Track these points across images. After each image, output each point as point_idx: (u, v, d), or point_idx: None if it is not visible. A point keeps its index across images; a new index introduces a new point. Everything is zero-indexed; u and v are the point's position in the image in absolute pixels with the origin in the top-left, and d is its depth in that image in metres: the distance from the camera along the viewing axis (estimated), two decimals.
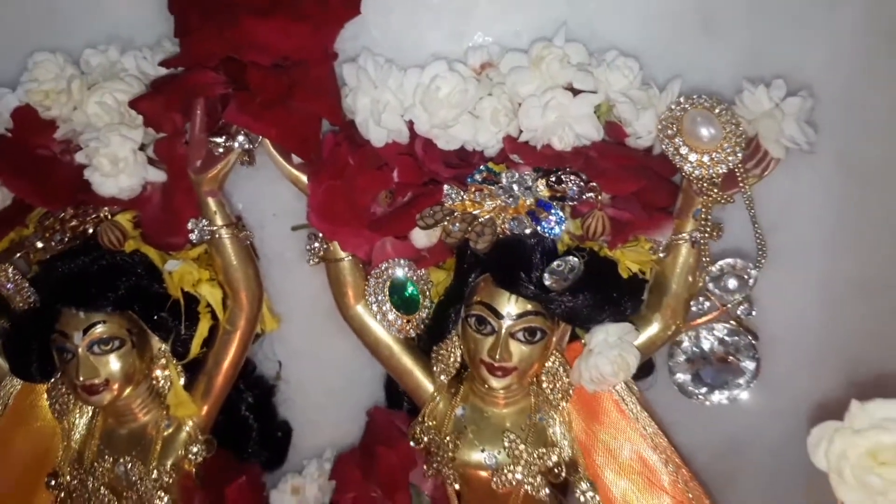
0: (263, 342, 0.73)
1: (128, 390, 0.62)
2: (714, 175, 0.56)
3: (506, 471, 0.60)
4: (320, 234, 0.62)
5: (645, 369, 0.66)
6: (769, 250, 0.63)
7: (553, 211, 0.56)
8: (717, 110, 0.56)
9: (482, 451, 0.61)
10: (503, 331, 0.58)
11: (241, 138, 0.59)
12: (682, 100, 0.57)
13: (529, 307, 0.58)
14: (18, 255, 0.62)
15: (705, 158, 0.56)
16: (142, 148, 0.62)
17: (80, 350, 0.60)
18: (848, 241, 0.68)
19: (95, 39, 0.66)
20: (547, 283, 0.57)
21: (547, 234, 0.57)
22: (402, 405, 0.71)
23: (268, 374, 0.74)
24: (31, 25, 0.67)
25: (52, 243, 0.61)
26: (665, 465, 0.61)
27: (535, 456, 0.60)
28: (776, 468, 0.72)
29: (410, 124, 0.61)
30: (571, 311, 0.58)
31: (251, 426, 0.71)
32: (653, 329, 0.61)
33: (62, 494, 0.64)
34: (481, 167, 0.60)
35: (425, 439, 0.63)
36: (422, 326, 0.64)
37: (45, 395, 0.66)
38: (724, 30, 0.63)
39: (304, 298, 0.71)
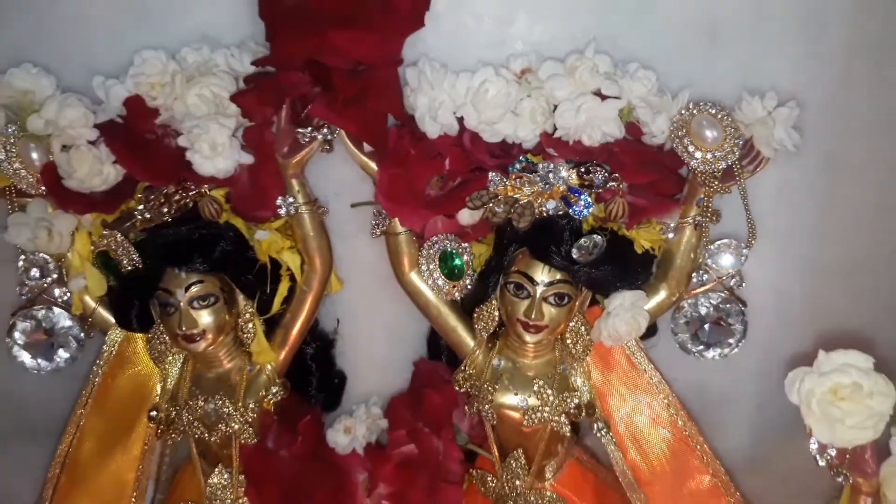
0: (325, 302, 0.86)
1: (218, 339, 0.74)
2: (715, 170, 0.68)
3: (535, 411, 0.73)
4: (384, 212, 0.74)
5: (650, 331, 0.78)
6: (759, 233, 0.74)
7: (582, 196, 0.68)
8: (719, 116, 0.67)
9: (515, 394, 0.74)
10: (538, 295, 0.70)
11: (324, 130, 0.70)
12: (690, 106, 0.68)
13: (559, 276, 0.70)
14: (128, 223, 0.73)
15: (709, 156, 0.67)
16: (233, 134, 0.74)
17: (182, 304, 0.71)
18: (827, 227, 0.80)
19: (188, 38, 0.75)
20: (575, 256, 0.69)
21: (576, 216, 0.68)
22: (441, 358, 0.83)
23: (327, 329, 0.86)
24: (129, 24, 0.76)
25: (158, 214, 0.72)
26: (667, 409, 0.74)
27: (560, 399, 0.72)
28: (759, 417, 0.85)
29: (460, 120, 0.73)
30: (594, 280, 0.70)
31: (313, 373, 0.83)
32: (660, 296, 0.73)
33: (161, 426, 0.76)
34: (521, 158, 0.71)
35: (467, 385, 0.76)
36: (465, 291, 0.75)
37: (145, 344, 0.78)
38: (727, 45, 0.74)
39: (360, 266, 0.83)
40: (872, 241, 0.79)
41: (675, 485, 0.74)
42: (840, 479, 0.63)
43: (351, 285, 0.84)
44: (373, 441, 0.85)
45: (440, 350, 0.83)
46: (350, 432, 0.85)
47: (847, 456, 0.62)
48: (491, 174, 0.71)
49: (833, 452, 0.62)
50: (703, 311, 0.73)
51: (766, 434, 0.84)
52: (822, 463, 0.63)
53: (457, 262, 0.74)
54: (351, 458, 0.82)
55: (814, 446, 0.63)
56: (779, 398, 0.71)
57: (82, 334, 0.77)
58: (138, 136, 0.72)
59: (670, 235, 0.72)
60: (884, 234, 0.78)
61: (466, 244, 0.75)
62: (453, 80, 0.71)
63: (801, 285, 0.80)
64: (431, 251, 0.74)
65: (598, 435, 0.73)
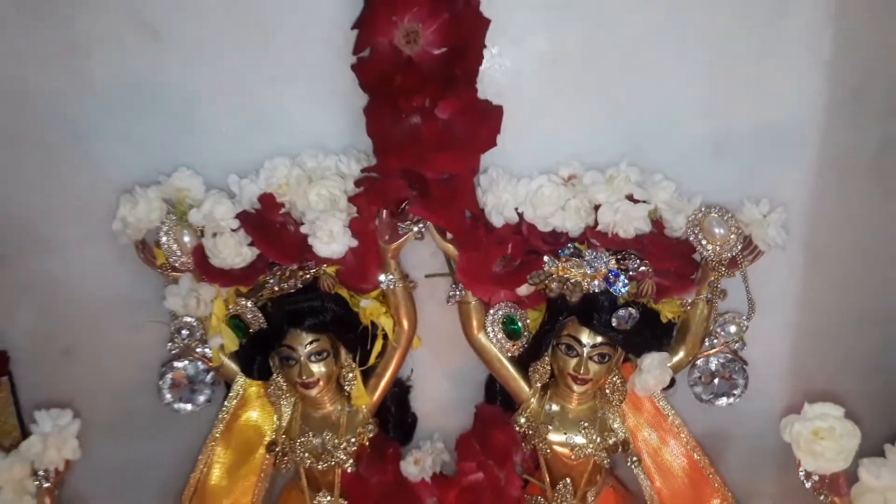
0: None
1: (326, 386, 0.92)
2: (722, 259, 0.87)
3: (582, 448, 0.91)
4: (460, 285, 0.92)
5: (670, 383, 0.96)
6: (757, 307, 0.94)
7: (620, 278, 0.87)
8: (725, 217, 0.87)
9: (564, 434, 0.92)
10: (584, 354, 0.89)
11: (420, 224, 0.89)
12: (703, 208, 0.88)
13: (601, 339, 0.89)
14: (260, 293, 0.91)
15: (717, 248, 0.87)
16: None
17: (302, 358, 0.90)
18: (809, 302, 0.99)
19: (304, 144, 0.93)
20: (614, 324, 0.88)
21: (616, 293, 0.87)
22: (497, 401, 1.01)
23: (402, 377, 1.03)
24: (257, 133, 0.94)
25: (285, 286, 0.90)
26: (685, 445, 0.93)
27: (602, 438, 0.91)
28: (757, 453, 1.03)
29: (520, 214, 0.91)
30: (630, 343, 0.89)
31: (392, 413, 1.01)
32: (679, 356, 0.92)
33: (278, 457, 0.93)
34: (569, 245, 0.90)
35: (525, 425, 0.94)
36: (522, 349, 0.94)
37: (263, 390, 0.95)
38: (729, 158, 0.93)
39: (430, 325, 1.00)
40: (840, 312, 0.99)
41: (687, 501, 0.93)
42: (822, 499, 0.82)
43: (423, 342, 1.02)
44: (437, 471, 1.03)
45: (495, 395, 1.01)
46: (419, 464, 1.03)
47: (826, 480, 0.80)
48: (546, 257, 0.90)
49: (816, 478, 0.81)
50: (713, 367, 0.92)
51: (762, 466, 1.02)
52: (808, 485, 0.82)
53: (517, 325, 0.93)
54: (420, 486, 1.00)
55: (802, 474, 0.82)
56: (771, 437, 0.89)
57: (216, 383, 0.95)
58: (269, 224, 0.91)
59: (687, 308, 0.91)
60: (849, 306, 0.98)
61: (524, 311, 0.94)
62: (515, 184, 0.90)
63: (790, 347, 0.99)
64: (496, 316, 0.93)
65: (632, 466, 0.92)
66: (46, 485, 0.86)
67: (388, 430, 1.02)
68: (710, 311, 0.90)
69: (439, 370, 1.05)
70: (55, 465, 0.87)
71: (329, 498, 0.94)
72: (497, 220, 0.91)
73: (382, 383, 0.95)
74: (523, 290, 0.93)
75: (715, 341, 0.92)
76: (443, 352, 1.03)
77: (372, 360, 0.94)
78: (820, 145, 0.93)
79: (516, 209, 0.90)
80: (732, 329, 0.91)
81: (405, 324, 0.93)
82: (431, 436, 1.05)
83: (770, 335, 0.98)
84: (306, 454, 0.92)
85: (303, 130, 0.95)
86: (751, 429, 0.99)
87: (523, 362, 0.95)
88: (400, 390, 1.02)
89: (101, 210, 0.94)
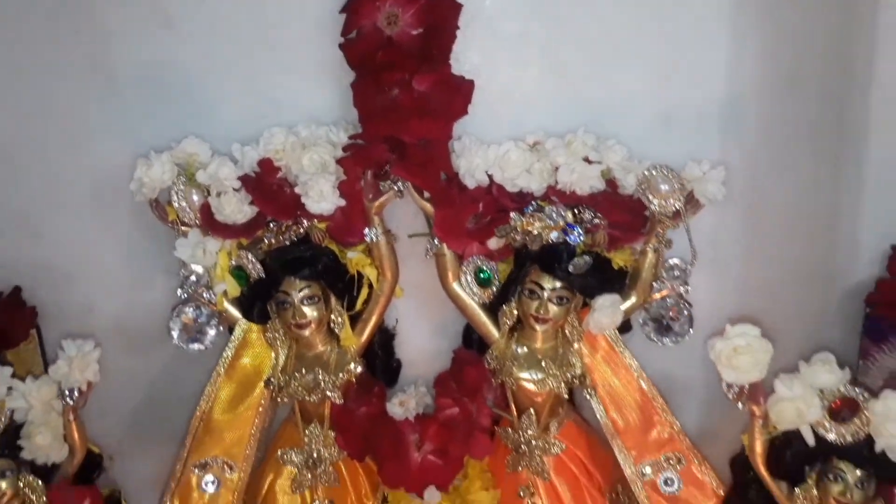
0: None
1: (317, 328, 1.03)
2: (667, 212, 0.98)
3: (543, 381, 1.02)
4: (437, 240, 1.03)
5: (626, 327, 1.08)
6: (703, 260, 1.05)
7: (576, 229, 0.99)
8: (669, 175, 0.97)
9: (529, 370, 1.03)
10: (545, 297, 1.00)
11: (399, 184, 1.00)
12: (650, 168, 0.99)
13: (560, 284, 1.00)
14: (258, 246, 1.03)
15: (662, 202, 0.98)
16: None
17: (296, 302, 1.01)
18: (752, 257, 1.10)
19: (300, 118, 1.05)
20: (571, 270, 0.99)
21: (572, 243, 0.99)
22: (474, 347, 1.12)
23: (388, 325, 1.15)
24: (258, 107, 1.06)
25: (281, 239, 1.02)
26: (636, 379, 1.03)
27: (561, 372, 1.02)
28: (707, 396, 1.11)
29: (490, 176, 1.02)
30: (585, 287, 1.00)
31: (379, 357, 1.12)
32: (631, 301, 1.03)
33: (275, 391, 1.05)
34: (533, 203, 1.01)
35: (494, 363, 1.05)
36: (493, 296, 1.05)
37: (261, 333, 1.07)
38: (678, 125, 1.04)
39: (414, 280, 1.11)
40: (782, 267, 1.10)
41: (642, 434, 1.04)
42: (741, 406, 0.93)
43: (405, 294, 1.14)
44: (420, 412, 1.13)
45: (472, 342, 1.12)
46: (404, 405, 1.13)
47: (745, 391, 0.91)
48: (512, 214, 1.02)
49: (736, 389, 0.92)
50: (661, 309, 1.03)
51: (715, 411, 1.11)
52: (729, 396, 0.93)
53: (488, 275, 1.04)
54: (404, 424, 1.11)
55: (724, 386, 0.93)
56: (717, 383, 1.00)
57: (220, 326, 1.07)
58: (267, 185, 1.03)
59: (638, 257, 1.01)
60: (789, 261, 1.09)
61: (493, 263, 1.05)
62: (485, 150, 1.01)
63: (732, 291, 1.09)
64: (469, 268, 1.05)
65: (587, 397, 1.04)
66: (70, 403, 0.98)
67: (375, 373, 1.13)
68: (658, 259, 1.01)
69: (422, 321, 1.17)
70: (78, 384, 0.99)
71: (319, 428, 1.05)
72: (470, 182, 1.03)
73: (368, 327, 1.07)
74: (493, 243, 1.05)
75: (662, 286, 1.03)
76: (425, 304, 1.15)
77: (358, 305, 1.06)
78: (759, 115, 1.04)
79: (487, 172, 1.02)
80: (678, 273, 1.02)
81: (388, 274, 1.05)
82: (416, 381, 1.16)
83: (718, 289, 1.09)
84: (299, 388, 1.04)
85: (299, 105, 1.07)
86: (703, 377, 1.08)
87: (494, 309, 1.06)
88: (385, 336, 1.13)
89: (118, 176, 1.06)
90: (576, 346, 1.03)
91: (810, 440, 0.89)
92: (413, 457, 1.09)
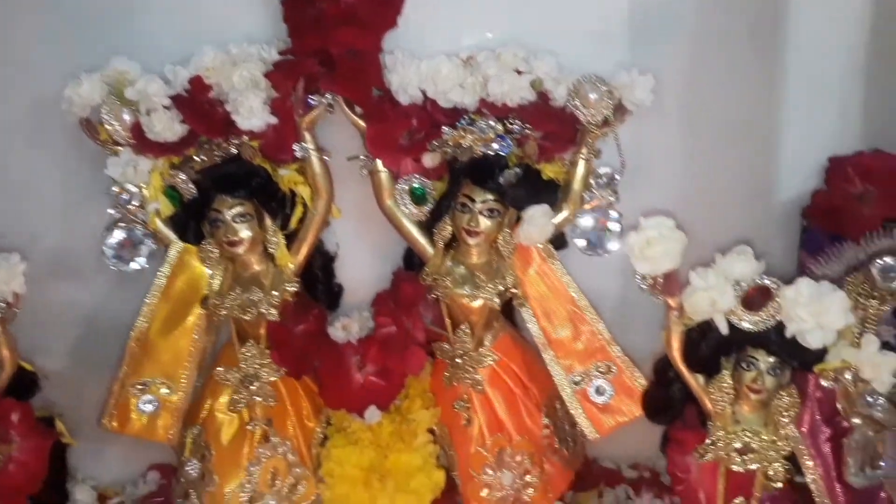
0: (328, 229, 1.14)
1: (251, 247, 1.03)
2: (597, 121, 0.98)
3: (476, 295, 1.02)
4: (370, 156, 1.03)
5: (561, 243, 1.07)
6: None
7: (506, 140, 0.98)
8: (598, 84, 0.97)
9: (462, 284, 1.03)
10: (476, 210, 1.00)
11: (328, 97, 1.00)
12: (580, 78, 0.98)
13: (491, 197, 1.00)
14: (189, 165, 1.03)
15: (592, 111, 0.97)
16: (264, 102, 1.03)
17: (227, 219, 1.01)
18: (691, 167, 1.09)
19: (235, 38, 1.05)
20: (501, 182, 0.99)
21: (503, 153, 0.99)
22: (415, 269, 1.11)
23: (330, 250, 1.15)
24: (192, 29, 1.06)
25: (211, 157, 1.02)
26: (567, 289, 1.03)
27: (493, 284, 1.02)
28: (647, 314, 1.07)
29: (424, 91, 1.02)
30: (514, 198, 1.00)
31: (320, 279, 1.12)
32: (563, 214, 1.03)
33: (211, 309, 1.05)
34: (465, 116, 1.01)
35: (429, 279, 1.05)
36: (427, 214, 1.05)
37: (198, 252, 1.07)
38: (610, 38, 1.03)
39: (353, 202, 1.11)
40: (720, 180, 1.09)
41: (573, 344, 1.04)
42: (656, 298, 0.93)
43: (347, 219, 1.14)
44: (363, 336, 1.13)
45: (414, 265, 1.12)
46: (347, 329, 1.14)
47: (659, 282, 0.91)
48: (445, 128, 1.01)
49: (650, 281, 0.92)
50: (592, 221, 1.03)
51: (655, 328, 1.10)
52: (644, 287, 0.92)
53: (423, 192, 1.04)
54: (346, 346, 1.11)
55: (638, 278, 0.93)
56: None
57: (154, 245, 1.07)
58: (198, 103, 1.02)
59: (569, 168, 1.01)
60: (724, 175, 1.08)
61: (429, 180, 1.05)
62: (418, 64, 1.01)
63: (674, 214, 1.07)
64: (404, 185, 1.04)
65: (518, 306, 1.04)
66: None
67: (316, 297, 1.13)
68: (588, 170, 1.01)
69: (364, 246, 1.16)
70: (4, 297, 0.99)
71: (255, 347, 1.05)
72: (403, 98, 1.02)
73: (304, 247, 1.06)
74: (429, 161, 1.04)
75: (592, 197, 1.02)
76: (368, 229, 1.14)
77: (293, 224, 1.06)
78: (694, 27, 1.04)
79: (420, 87, 1.01)
80: (605, 182, 1.01)
81: (322, 192, 1.05)
82: (359, 306, 1.16)
83: (656, 204, 1.05)
84: (235, 307, 1.04)
85: (232, 26, 1.06)
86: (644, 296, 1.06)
87: (430, 226, 1.06)
88: (325, 259, 1.13)
89: (52, 100, 1.04)
90: (509, 259, 1.03)
91: (724, 329, 0.90)
92: (354, 378, 1.09)
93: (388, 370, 1.09)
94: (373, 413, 1.10)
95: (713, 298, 0.87)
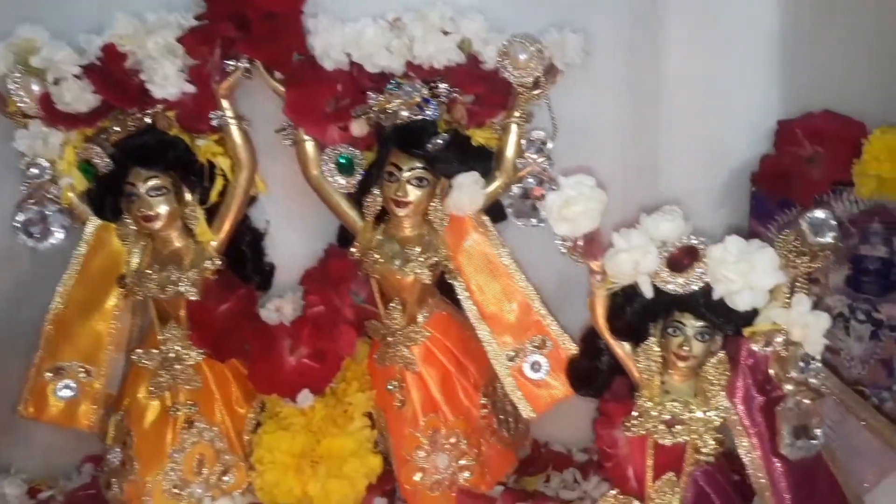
0: (256, 205, 1.09)
1: (170, 222, 0.98)
2: (526, 82, 0.93)
3: (407, 268, 0.97)
4: (292, 125, 0.98)
5: (500, 215, 1.02)
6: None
7: (431, 103, 0.94)
8: (527, 44, 0.92)
9: (393, 258, 0.98)
10: (403, 179, 0.95)
11: (244, 62, 0.95)
12: (510, 38, 0.93)
13: (419, 164, 0.95)
14: (103, 136, 0.98)
15: (522, 72, 0.93)
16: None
17: (142, 193, 0.96)
18: (637, 135, 1.04)
19: (150, 6, 0.99)
20: (429, 148, 0.94)
21: (429, 118, 0.94)
22: (349, 246, 1.06)
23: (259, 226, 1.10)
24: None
25: (125, 128, 0.97)
26: (502, 262, 0.98)
27: (424, 258, 0.97)
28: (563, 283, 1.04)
29: (349, 55, 0.97)
30: (443, 166, 0.95)
31: (249, 258, 1.07)
32: (497, 182, 0.98)
33: (127, 288, 0.99)
34: (392, 81, 0.96)
35: (359, 254, 1.00)
36: (356, 186, 1.00)
37: (116, 229, 1.02)
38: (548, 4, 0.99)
39: (284, 176, 1.06)
40: (667, 147, 1.03)
41: (506, 317, 0.99)
42: (576, 260, 0.88)
43: (278, 194, 1.09)
44: (297, 317, 1.08)
45: (349, 241, 1.05)
46: (280, 310, 1.09)
47: (579, 244, 0.86)
48: (370, 93, 0.97)
49: (570, 244, 0.87)
50: (525, 187, 0.97)
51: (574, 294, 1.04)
52: (563, 250, 0.88)
53: (350, 163, 0.99)
54: (278, 327, 1.06)
55: (558, 241, 0.88)
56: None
57: (70, 222, 1.02)
58: (111, 72, 0.98)
59: (501, 134, 0.96)
60: (671, 142, 1.02)
61: (358, 150, 1.00)
62: (342, 27, 0.96)
63: (618, 180, 1.01)
64: (331, 155, 0.99)
65: (450, 280, 0.99)
66: None
67: (246, 277, 1.08)
68: (520, 134, 0.96)
69: (297, 223, 1.11)
70: None
71: (176, 328, 1.00)
72: (328, 63, 0.97)
73: (227, 222, 1.01)
74: (357, 129, 0.99)
75: (526, 163, 0.97)
76: (300, 206, 1.09)
77: (213, 198, 1.01)
78: None
79: (345, 52, 0.96)
80: (538, 147, 0.96)
81: (243, 164, 1.00)
82: (294, 288, 1.11)
83: (602, 173, 0.97)
84: (152, 286, 0.98)
85: None
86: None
87: (359, 198, 1.00)
88: (254, 236, 1.08)
89: None
90: (441, 231, 0.98)
91: (648, 292, 0.84)
92: (287, 361, 1.04)
93: (324, 352, 1.04)
94: (305, 397, 1.04)
95: (636, 260, 0.82)
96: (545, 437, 1.18)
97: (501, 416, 1.03)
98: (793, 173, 0.96)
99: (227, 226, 1.01)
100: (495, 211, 1.01)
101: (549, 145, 0.96)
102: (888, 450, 0.85)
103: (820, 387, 0.82)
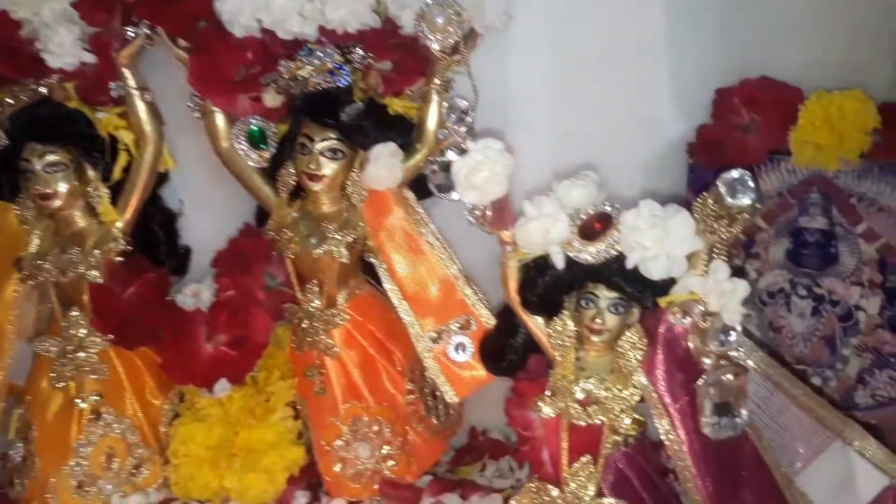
0: (169, 184, 1.04)
1: (70, 201, 0.92)
2: (446, 48, 0.87)
3: (323, 247, 0.91)
4: (198, 95, 0.92)
5: (425, 191, 0.97)
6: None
7: (344, 69, 0.88)
8: (446, 6, 0.86)
9: (309, 236, 0.92)
10: (316, 150, 0.89)
11: (145, 28, 0.89)
12: (427, 1, 0.88)
13: (332, 135, 0.90)
14: None
15: (440, 36, 0.87)
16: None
17: (38, 170, 0.90)
18: (569, 106, 0.98)
19: None
20: (343, 118, 0.88)
21: (341, 84, 0.88)
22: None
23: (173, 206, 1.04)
24: None
25: (19, 100, 0.91)
26: (426, 240, 0.93)
27: (341, 236, 0.91)
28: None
29: (260, 21, 0.92)
30: (358, 136, 0.89)
31: (161, 239, 1.01)
32: (418, 154, 0.92)
33: (25, 272, 0.93)
34: (305, 47, 0.90)
35: (273, 233, 0.94)
36: (269, 159, 0.94)
37: (14, 210, 0.95)
38: None
39: (200, 153, 0.99)
40: (601, 118, 0.98)
41: (429, 298, 0.93)
42: (485, 231, 0.83)
43: (193, 172, 1.03)
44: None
45: (266, 220, 0.99)
46: (197, 296, 1.03)
47: (487, 213, 0.81)
48: (282, 61, 0.91)
49: (478, 212, 0.82)
50: (446, 158, 0.91)
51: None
52: (472, 220, 0.83)
53: (256, 131, 0.93)
54: (194, 314, 1.00)
55: (467, 211, 0.84)
56: None
57: None
58: (3, 41, 0.91)
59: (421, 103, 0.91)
60: (606, 113, 0.97)
61: (271, 123, 0.94)
62: None
63: (550, 153, 0.97)
64: (242, 127, 0.94)
65: (370, 259, 0.93)
66: None
67: (160, 260, 1.02)
68: (440, 103, 0.90)
69: (214, 203, 1.05)
70: None
71: (78, 313, 0.94)
72: (238, 30, 0.90)
73: (132, 201, 0.95)
74: (270, 100, 0.94)
75: (448, 134, 0.91)
76: (219, 185, 1.02)
77: (117, 174, 0.95)
78: None
79: (255, 17, 0.90)
80: (458, 117, 0.89)
81: (148, 137, 0.94)
82: (212, 270, 1.05)
83: (534, 146, 0.97)
84: (52, 268, 0.92)
85: None
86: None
87: (273, 173, 0.95)
88: (166, 217, 1.02)
89: None
90: (360, 207, 0.92)
91: (559, 263, 0.79)
92: (203, 349, 0.98)
93: (243, 339, 0.99)
94: (222, 386, 0.99)
95: (546, 228, 0.77)
96: (484, 425, 1.12)
97: (430, 402, 0.98)
98: (728, 142, 0.91)
99: (132, 205, 0.95)
100: (422, 186, 0.95)
101: (470, 115, 0.90)
102: (820, 427, 0.81)
103: (744, 360, 0.77)
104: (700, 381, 0.75)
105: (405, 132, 0.92)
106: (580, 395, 0.78)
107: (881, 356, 0.92)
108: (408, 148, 0.92)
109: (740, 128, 0.93)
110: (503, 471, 1.05)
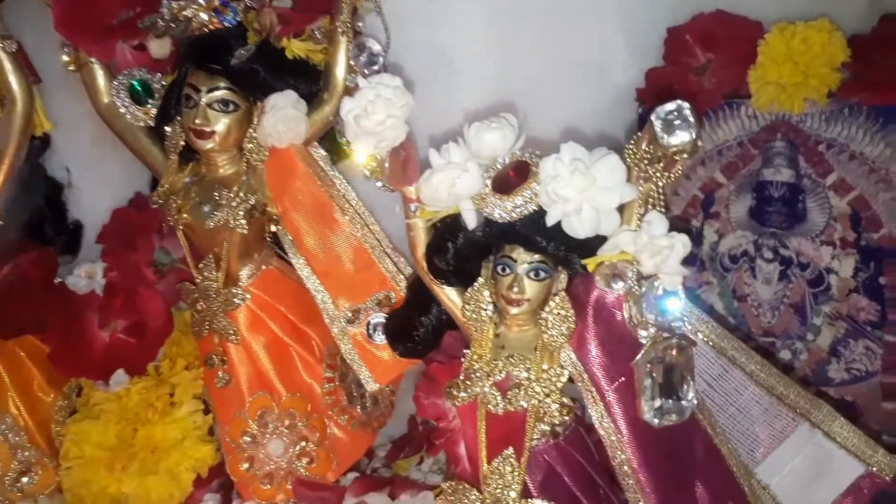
0: (53, 152, 0.92)
1: None
2: None
3: (217, 216, 0.79)
4: (71, 45, 0.80)
5: (340, 154, 0.84)
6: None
7: (230, 6, 0.76)
8: None
9: (201, 204, 0.80)
10: (203, 102, 0.77)
11: None
12: None
13: (221, 84, 0.78)
14: None
15: None
16: None
17: None
18: (510, 53, 0.87)
19: None
20: (232, 64, 0.76)
21: (227, 24, 0.76)
22: None
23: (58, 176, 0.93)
24: None
25: None
26: (340, 207, 0.81)
27: (238, 200, 0.79)
28: None
29: None
30: (252, 84, 0.77)
31: (46, 213, 0.90)
32: (327, 107, 0.79)
33: None
34: None
35: (163, 202, 0.82)
36: (155, 116, 0.82)
37: None
38: None
39: (86, 115, 0.87)
40: (544, 64, 0.87)
41: (344, 273, 0.81)
42: (384, 186, 0.72)
43: (84, 139, 0.91)
44: None
45: None
46: (92, 277, 0.92)
47: (385, 164, 0.70)
48: (164, 1, 0.79)
49: (374, 164, 0.71)
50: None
51: None
52: (367, 174, 0.72)
53: (144, 88, 0.81)
54: (87, 298, 0.89)
55: (358, 164, 0.72)
56: None
57: None
58: None
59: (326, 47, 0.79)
60: (549, 59, 0.87)
61: (158, 75, 0.82)
62: None
63: (492, 103, 0.85)
64: (123, 82, 0.81)
65: (274, 229, 0.81)
66: None
67: (47, 238, 0.91)
68: (348, 46, 0.77)
69: (108, 173, 0.93)
70: None
71: None
72: None
73: (3, 168, 0.83)
74: (156, 49, 0.82)
75: (357, 78, 0.77)
76: (112, 153, 0.90)
77: None
78: None
79: None
80: (366, 60, 0.77)
81: (15, 95, 0.81)
82: None
83: (474, 97, 0.85)
84: None
85: None
86: None
87: (160, 131, 0.82)
88: (52, 189, 0.90)
89: None
90: (260, 169, 0.80)
91: (470, 221, 0.66)
92: (97, 336, 0.88)
93: (141, 325, 0.88)
94: (119, 378, 0.88)
95: (453, 180, 0.64)
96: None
97: (353, 391, 0.86)
98: (679, 86, 0.80)
99: (2, 173, 0.83)
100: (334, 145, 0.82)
101: (381, 57, 0.78)
102: (783, 407, 0.69)
103: (692, 333, 0.65)
104: (637, 359, 0.63)
105: (309, 79, 0.79)
106: (498, 377, 0.66)
107: (856, 325, 0.81)
108: (313, 98, 0.79)
109: (693, 70, 0.82)
110: (442, 464, 0.94)
